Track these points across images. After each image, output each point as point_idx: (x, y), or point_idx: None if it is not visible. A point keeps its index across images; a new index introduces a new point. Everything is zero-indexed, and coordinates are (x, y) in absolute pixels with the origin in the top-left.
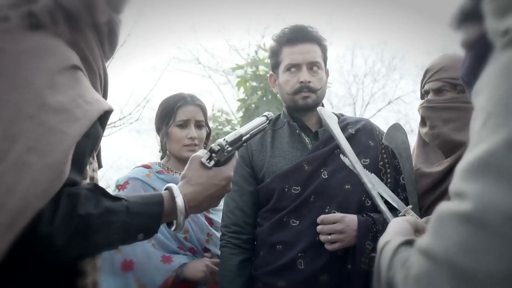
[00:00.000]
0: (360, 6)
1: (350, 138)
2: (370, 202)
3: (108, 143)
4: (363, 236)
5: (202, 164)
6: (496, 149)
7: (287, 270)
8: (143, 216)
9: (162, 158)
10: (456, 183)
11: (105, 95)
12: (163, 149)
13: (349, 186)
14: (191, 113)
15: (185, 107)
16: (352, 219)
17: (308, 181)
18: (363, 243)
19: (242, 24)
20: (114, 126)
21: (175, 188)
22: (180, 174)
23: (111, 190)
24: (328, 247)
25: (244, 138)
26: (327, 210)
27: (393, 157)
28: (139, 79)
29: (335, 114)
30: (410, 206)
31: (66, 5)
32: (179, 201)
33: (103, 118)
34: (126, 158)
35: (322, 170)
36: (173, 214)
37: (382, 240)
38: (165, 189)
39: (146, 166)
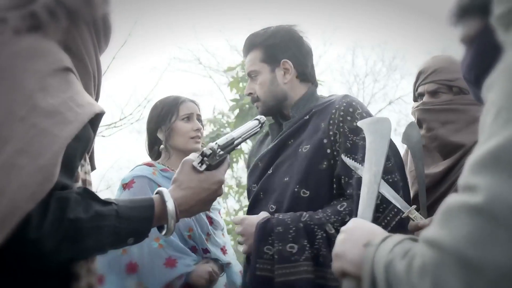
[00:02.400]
0: (360, 6)
1: (302, 125)
2: (308, 193)
3: (109, 143)
4: (260, 241)
5: (194, 168)
6: (507, 143)
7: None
8: (133, 221)
9: (156, 158)
10: (466, 176)
11: (98, 95)
12: (164, 146)
13: (287, 179)
14: (194, 108)
15: (186, 103)
16: (251, 221)
17: (259, 178)
18: (260, 248)
19: (243, 24)
20: (115, 126)
21: (166, 192)
22: None
23: (116, 190)
24: (241, 249)
25: (236, 142)
26: (269, 206)
27: (352, 134)
28: (140, 79)
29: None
30: (414, 207)
31: (65, 2)
32: (170, 205)
33: (95, 120)
34: (127, 158)
35: (271, 166)
36: (164, 218)
37: (376, 238)
38: (156, 193)
39: (150, 165)
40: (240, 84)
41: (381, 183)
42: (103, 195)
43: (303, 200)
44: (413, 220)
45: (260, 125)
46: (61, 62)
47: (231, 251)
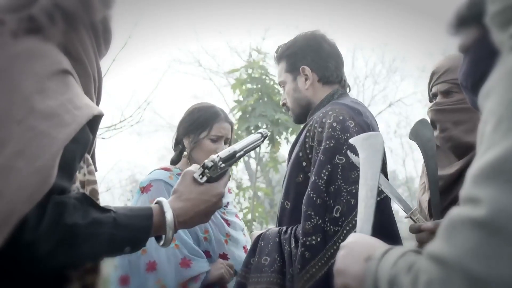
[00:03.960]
0: (360, 7)
1: (299, 135)
2: (289, 204)
3: (109, 145)
4: (249, 252)
5: (194, 179)
6: (508, 154)
7: None
8: (131, 229)
9: (176, 162)
10: (468, 188)
11: (99, 97)
12: (188, 154)
13: (284, 188)
14: (226, 131)
15: (221, 124)
16: (253, 236)
17: None
18: (247, 259)
19: (243, 26)
20: (115, 129)
21: (165, 202)
22: None
23: (115, 192)
24: None
25: (237, 155)
26: None
27: (319, 146)
28: (140, 81)
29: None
30: (415, 208)
31: (63, 5)
32: (169, 216)
33: (94, 122)
34: (127, 160)
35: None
36: (162, 228)
37: (377, 252)
38: (155, 203)
39: (166, 169)
40: (243, 86)
41: (386, 183)
42: (103, 197)
43: (287, 211)
44: (415, 222)
45: (262, 138)
46: (60, 65)
47: None
